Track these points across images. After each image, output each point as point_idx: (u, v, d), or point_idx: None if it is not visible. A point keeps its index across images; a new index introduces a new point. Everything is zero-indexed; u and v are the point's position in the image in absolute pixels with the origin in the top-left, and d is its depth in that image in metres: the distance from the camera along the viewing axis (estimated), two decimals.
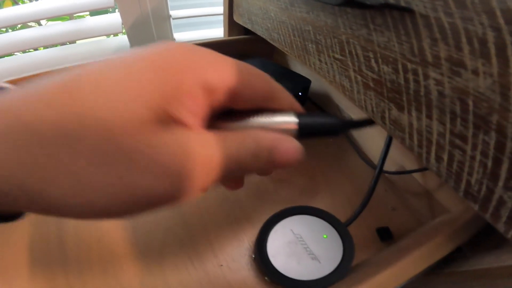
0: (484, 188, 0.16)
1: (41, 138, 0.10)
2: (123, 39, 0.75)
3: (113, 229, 0.32)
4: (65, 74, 0.12)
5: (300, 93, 0.41)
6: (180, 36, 0.75)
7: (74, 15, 0.80)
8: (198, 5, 0.82)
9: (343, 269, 0.25)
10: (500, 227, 0.16)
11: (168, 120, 0.12)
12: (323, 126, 0.17)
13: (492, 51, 0.13)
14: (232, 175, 0.15)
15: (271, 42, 0.38)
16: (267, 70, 0.41)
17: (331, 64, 0.27)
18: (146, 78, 0.12)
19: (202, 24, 0.84)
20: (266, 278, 0.26)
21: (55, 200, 0.11)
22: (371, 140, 0.41)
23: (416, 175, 0.36)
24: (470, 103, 0.14)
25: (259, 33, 0.41)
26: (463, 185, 0.17)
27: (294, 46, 0.33)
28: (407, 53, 0.17)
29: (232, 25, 0.52)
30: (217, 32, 0.81)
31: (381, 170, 0.29)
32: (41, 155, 0.10)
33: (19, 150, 0.10)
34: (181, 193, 0.12)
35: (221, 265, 0.28)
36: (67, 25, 0.68)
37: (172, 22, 0.73)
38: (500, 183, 0.15)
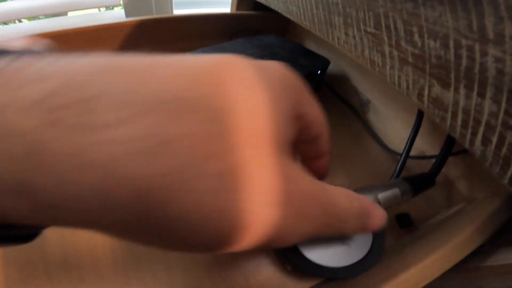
0: None
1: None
2: (118, 13, 0.71)
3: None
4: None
5: (319, 72, 0.39)
6: (180, 13, 0.71)
7: None
8: None
9: (376, 255, 0.22)
10: None
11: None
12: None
13: None
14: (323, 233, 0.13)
15: (288, 15, 0.36)
16: (284, 48, 0.40)
17: (361, 38, 0.26)
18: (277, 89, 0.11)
19: (203, 3, 0.80)
20: (288, 267, 0.24)
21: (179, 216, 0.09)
22: (389, 124, 0.40)
23: None
24: None
25: (273, 6, 0.39)
26: (510, 171, 0.17)
27: (316, 20, 0.31)
28: (462, 29, 0.16)
29: (241, 0, 0.49)
30: (220, 11, 0.78)
31: (407, 155, 0.29)
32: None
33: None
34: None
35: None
36: None
37: None
38: None
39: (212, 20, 0.47)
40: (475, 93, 0.17)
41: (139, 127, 0.08)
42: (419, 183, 0.26)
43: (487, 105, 0.17)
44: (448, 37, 0.17)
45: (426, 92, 0.21)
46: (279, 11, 0.38)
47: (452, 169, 0.33)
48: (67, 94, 0.08)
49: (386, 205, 0.24)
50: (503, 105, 0.16)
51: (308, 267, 0.22)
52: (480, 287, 0.24)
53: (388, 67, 0.24)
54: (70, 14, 0.70)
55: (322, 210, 0.12)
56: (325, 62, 0.39)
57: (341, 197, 0.14)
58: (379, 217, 0.16)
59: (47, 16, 0.68)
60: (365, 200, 0.15)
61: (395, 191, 0.24)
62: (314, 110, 0.14)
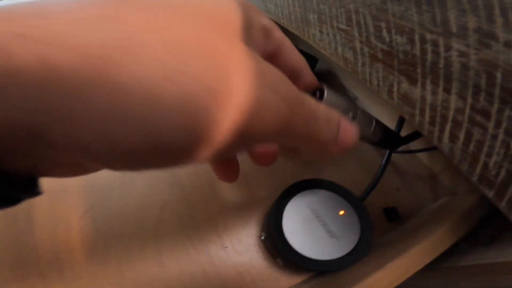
0: (503, 172, 0.15)
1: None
2: None
3: (99, 202, 0.29)
4: None
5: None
6: None
7: None
8: None
9: (363, 248, 0.24)
10: None
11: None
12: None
13: None
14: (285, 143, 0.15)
15: (267, 14, 0.36)
16: None
17: (334, 35, 0.26)
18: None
19: None
20: (278, 260, 0.25)
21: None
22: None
23: (422, 157, 0.36)
24: (499, 76, 0.14)
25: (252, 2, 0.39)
26: (478, 169, 0.16)
27: (293, 18, 0.31)
28: (427, 23, 0.16)
29: None
30: None
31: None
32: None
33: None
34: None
35: (226, 247, 0.27)
36: None
37: None
38: None
39: None
40: (441, 89, 0.17)
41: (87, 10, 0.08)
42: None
43: (453, 100, 0.17)
44: (414, 31, 0.17)
45: (395, 89, 0.21)
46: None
47: (435, 163, 0.33)
48: None
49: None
50: (469, 100, 0.16)
51: (299, 261, 0.23)
52: (458, 286, 0.24)
53: (359, 64, 0.24)
54: None
55: (293, 91, 0.11)
56: (313, 60, 0.39)
57: (309, 97, 0.13)
58: (350, 131, 0.14)
59: None
60: (333, 111, 0.14)
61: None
62: (279, 35, 0.15)
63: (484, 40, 0.14)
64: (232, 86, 0.09)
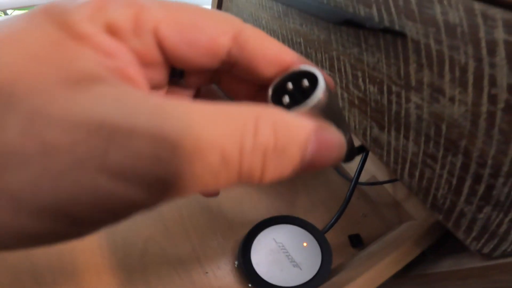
0: (448, 201, 0.18)
1: None
2: None
3: (87, 237, 0.30)
4: None
5: None
6: None
7: None
8: None
9: (322, 275, 0.26)
10: (460, 235, 0.18)
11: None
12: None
13: (470, 80, 0.14)
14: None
15: None
16: None
17: None
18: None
19: None
20: (250, 285, 0.27)
21: None
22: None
23: (386, 186, 0.38)
24: (444, 128, 0.16)
25: None
26: (430, 199, 0.19)
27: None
28: (393, 76, 0.19)
29: None
30: None
31: (356, 183, 0.31)
32: None
33: None
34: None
35: (207, 273, 0.28)
36: None
37: None
38: (462, 198, 0.17)
39: None
40: (402, 136, 0.19)
41: None
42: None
43: (411, 146, 0.19)
44: (383, 83, 0.20)
45: (368, 133, 0.23)
46: None
47: (399, 192, 0.36)
48: None
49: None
50: (422, 146, 0.18)
51: (265, 287, 0.26)
52: None
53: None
54: None
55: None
56: None
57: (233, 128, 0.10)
58: (332, 140, 0.10)
59: None
60: (295, 123, 0.10)
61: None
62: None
63: (435, 95, 0.16)
64: None
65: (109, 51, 0.09)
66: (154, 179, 0.08)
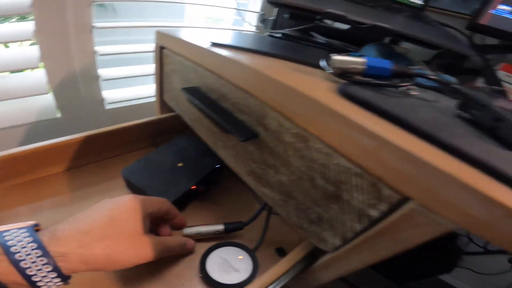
0: (302, 219, 0.36)
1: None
2: (47, 98, 0.75)
3: None
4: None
5: (217, 166, 0.56)
6: (109, 94, 0.81)
7: None
8: (127, 62, 0.85)
9: (253, 276, 0.42)
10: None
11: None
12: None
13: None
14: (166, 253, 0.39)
15: (192, 128, 0.55)
16: (193, 149, 0.58)
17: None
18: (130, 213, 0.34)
19: (130, 81, 0.84)
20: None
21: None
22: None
23: None
24: (286, 185, 0.35)
25: (183, 118, 0.57)
26: (293, 219, 0.38)
27: (210, 141, 0.51)
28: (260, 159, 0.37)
29: (163, 103, 0.66)
30: (147, 89, 0.88)
31: (269, 214, 0.49)
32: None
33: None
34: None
35: (183, 284, 0.41)
36: None
37: (101, 81, 0.78)
38: (307, 217, 0.36)
39: (140, 127, 0.61)
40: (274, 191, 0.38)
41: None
42: (231, 228, 0.48)
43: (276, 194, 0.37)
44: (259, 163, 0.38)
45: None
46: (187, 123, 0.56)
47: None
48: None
49: (209, 235, 0.47)
50: (280, 196, 0.37)
51: (218, 286, 0.41)
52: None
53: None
54: None
55: (159, 244, 0.36)
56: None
57: (171, 240, 0.40)
58: (190, 243, 0.43)
59: None
60: (184, 239, 0.42)
61: (209, 228, 0.47)
62: (156, 207, 0.39)
63: (277, 169, 0.35)
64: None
65: None
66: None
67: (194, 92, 0.46)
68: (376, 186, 0.26)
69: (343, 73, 0.36)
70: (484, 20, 0.63)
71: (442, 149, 0.24)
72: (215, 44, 0.45)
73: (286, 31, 0.64)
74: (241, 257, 0.45)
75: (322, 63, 0.37)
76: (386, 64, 0.35)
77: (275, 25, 0.78)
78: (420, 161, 0.22)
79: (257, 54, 0.44)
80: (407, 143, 0.23)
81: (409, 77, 0.36)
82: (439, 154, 0.23)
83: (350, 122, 0.26)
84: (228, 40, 0.49)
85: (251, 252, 0.45)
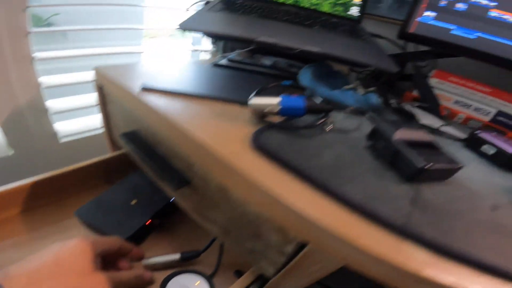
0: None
1: None
2: None
3: None
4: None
5: (171, 200, 0.58)
6: (63, 126, 0.80)
7: None
8: (80, 90, 0.80)
9: None
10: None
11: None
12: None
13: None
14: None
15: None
16: (144, 181, 0.60)
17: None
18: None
19: (81, 113, 0.82)
20: None
21: None
22: None
23: None
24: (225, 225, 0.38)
25: (131, 157, 0.58)
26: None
27: (156, 180, 0.53)
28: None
29: (113, 140, 0.66)
30: (96, 119, 0.85)
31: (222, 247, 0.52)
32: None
33: None
34: None
35: None
36: None
37: (51, 114, 0.76)
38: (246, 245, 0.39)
39: (91, 167, 0.62)
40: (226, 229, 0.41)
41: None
42: (187, 256, 0.51)
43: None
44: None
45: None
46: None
47: None
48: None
49: (167, 265, 0.50)
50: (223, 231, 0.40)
51: None
52: None
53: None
54: None
55: (113, 278, 0.36)
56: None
57: (125, 274, 0.39)
58: (147, 274, 0.43)
59: None
60: (140, 271, 0.42)
61: (167, 258, 0.50)
62: (106, 246, 0.38)
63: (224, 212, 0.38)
64: None
65: None
66: None
67: (132, 137, 0.48)
68: (283, 230, 0.30)
69: (262, 116, 0.39)
70: (412, 29, 0.63)
71: (331, 197, 0.28)
72: (145, 89, 0.46)
73: (232, 54, 0.65)
74: (198, 282, 0.48)
75: (249, 102, 0.39)
76: (299, 102, 0.38)
77: (226, 46, 0.80)
78: (301, 216, 0.27)
79: (189, 97, 0.45)
80: (296, 196, 0.28)
81: (323, 111, 0.40)
82: (322, 204, 0.27)
83: (249, 181, 0.29)
84: (161, 81, 0.50)
85: (208, 277, 0.49)
